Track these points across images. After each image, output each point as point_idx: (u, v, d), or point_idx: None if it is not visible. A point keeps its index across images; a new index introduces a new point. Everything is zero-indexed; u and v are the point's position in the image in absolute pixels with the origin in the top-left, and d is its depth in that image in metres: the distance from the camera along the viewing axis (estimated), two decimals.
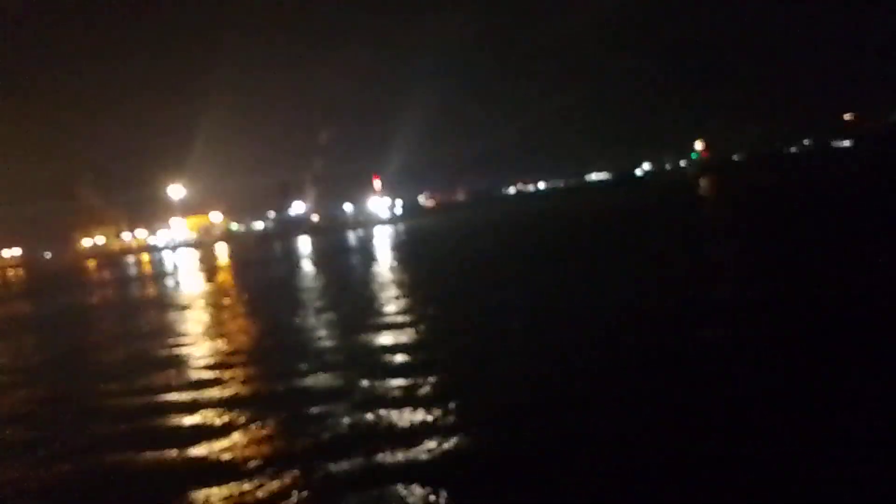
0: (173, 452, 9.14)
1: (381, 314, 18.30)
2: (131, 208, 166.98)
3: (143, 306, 31.01)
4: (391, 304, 20.09)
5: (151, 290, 41.19)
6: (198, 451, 9.12)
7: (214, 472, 8.31)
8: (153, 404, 11.90)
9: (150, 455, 9.21)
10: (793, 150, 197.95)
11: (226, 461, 8.66)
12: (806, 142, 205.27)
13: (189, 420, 10.64)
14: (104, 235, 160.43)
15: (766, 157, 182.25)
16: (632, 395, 9.31)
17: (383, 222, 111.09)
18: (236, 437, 9.50)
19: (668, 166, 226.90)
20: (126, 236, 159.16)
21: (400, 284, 25.73)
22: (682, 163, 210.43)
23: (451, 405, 9.59)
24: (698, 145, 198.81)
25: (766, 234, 26.19)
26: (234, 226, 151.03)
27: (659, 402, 8.94)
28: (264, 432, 9.59)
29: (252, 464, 8.40)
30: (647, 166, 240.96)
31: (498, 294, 19.49)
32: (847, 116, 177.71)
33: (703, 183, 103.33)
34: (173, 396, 12.22)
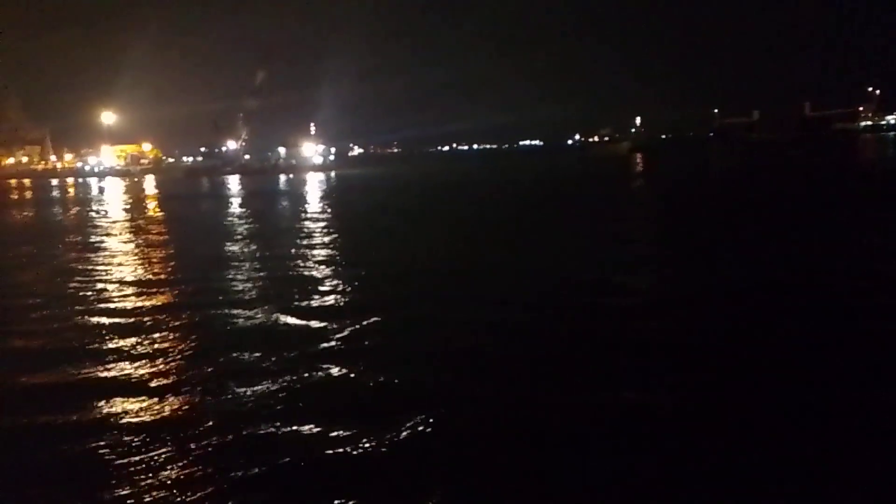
0: None
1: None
2: (60, 132, 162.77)
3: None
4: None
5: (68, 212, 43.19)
6: None
7: None
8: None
9: None
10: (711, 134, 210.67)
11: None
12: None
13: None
14: (28, 155, 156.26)
15: (687, 138, 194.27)
16: None
17: (315, 168, 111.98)
18: None
19: (606, 138, 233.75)
20: (52, 159, 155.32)
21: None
22: (617, 135, 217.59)
23: None
24: (637, 121, 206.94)
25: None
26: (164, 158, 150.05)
27: None
28: None
29: None
30: (577, 136, 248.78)
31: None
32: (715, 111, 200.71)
33: (636, 157, 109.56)
34: None
